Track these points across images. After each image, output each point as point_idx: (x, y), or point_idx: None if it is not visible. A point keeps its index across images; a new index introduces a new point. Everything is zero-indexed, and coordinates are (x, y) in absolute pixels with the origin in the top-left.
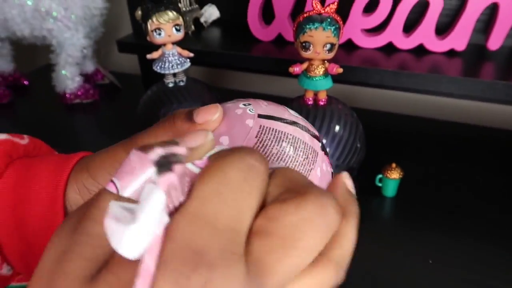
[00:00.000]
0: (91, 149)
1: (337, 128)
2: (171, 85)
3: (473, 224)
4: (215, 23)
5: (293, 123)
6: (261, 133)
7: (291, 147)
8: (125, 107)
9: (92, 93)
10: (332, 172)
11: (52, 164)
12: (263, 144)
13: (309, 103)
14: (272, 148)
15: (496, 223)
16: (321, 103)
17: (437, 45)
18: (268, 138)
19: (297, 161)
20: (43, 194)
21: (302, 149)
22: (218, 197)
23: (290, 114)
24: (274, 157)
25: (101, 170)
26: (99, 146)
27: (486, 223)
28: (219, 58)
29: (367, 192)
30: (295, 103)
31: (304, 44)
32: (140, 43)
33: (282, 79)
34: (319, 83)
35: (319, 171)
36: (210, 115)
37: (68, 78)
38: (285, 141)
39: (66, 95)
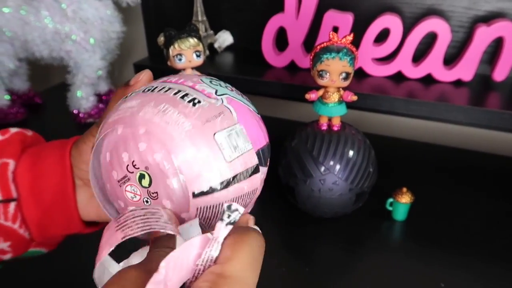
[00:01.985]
0: None
1: (351, 153)
2: None
3: (483, 249)
4: (228, 48)
5: (228, 183)
6: (200, 214)
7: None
8: None
9: None
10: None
11: (56, 146)
12: (205, 222)
13: (323, 128)
14: (213, 222)
15: (507, 248)
16: (335, 128)
17: (445, 75)
18: (207, 216)
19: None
20: (54, 166)
21: (241, 202)
22: (251, 267)
23: (225, 163)
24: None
25: (84, 146)
26: None
27: (496, 248)
28: (233, 82)
29: (377, 216)
30: (310, 128)
31: (320, 72)
32: (156, 66)
33: (293, 103)
34: (334, 110)
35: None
36: (139, 76)
37: (83, 98)
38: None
39: (80, 114)
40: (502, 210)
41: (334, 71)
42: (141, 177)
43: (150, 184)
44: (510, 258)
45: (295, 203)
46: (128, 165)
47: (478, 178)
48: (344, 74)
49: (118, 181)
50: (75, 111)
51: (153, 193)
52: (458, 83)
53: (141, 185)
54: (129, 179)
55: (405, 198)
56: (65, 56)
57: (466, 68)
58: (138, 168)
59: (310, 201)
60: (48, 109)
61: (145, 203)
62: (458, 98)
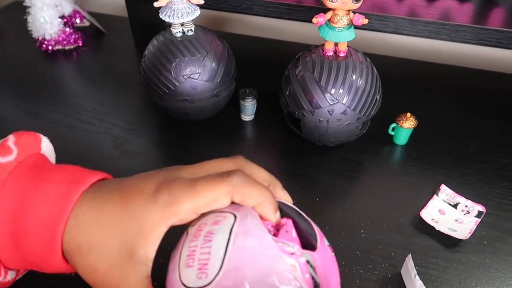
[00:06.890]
0: (77, 102)
1: (359, 81)
2: (179, 35)
3: (482, 168)
4: None
5: None
6: None
7: None
8: (111, 53)
9: (75, 38)
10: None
11: (51, 198)
12: None
13: (329, 54)
14: None
15: (505, 168)
16: (342, 54)
17: None
18: None
19: None
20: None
21: None
22: None
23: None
24: None
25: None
26: (86, 96)
27: (494, 168)
28: (226, 1)
29: (379, 141)
30: (315, 54)
31: None
32: None
33: (291, 24)
34: (343, 35)
35: None
36: None
37: (47, 21)
38: None
39: (45, 41)
40: (503, 130)
41: None
42: None
43: None
44: (507, 176)
45: (299, 133)
46: None
47: (482, 99)
48: None
49: None
50: (40, 38)
51: None
52: None
53: None
54: None
55: (408, 123)
56: None
57: None
58: None
59: (317, 131)
60: (5, 35)
61: None
62: (462, 16)
